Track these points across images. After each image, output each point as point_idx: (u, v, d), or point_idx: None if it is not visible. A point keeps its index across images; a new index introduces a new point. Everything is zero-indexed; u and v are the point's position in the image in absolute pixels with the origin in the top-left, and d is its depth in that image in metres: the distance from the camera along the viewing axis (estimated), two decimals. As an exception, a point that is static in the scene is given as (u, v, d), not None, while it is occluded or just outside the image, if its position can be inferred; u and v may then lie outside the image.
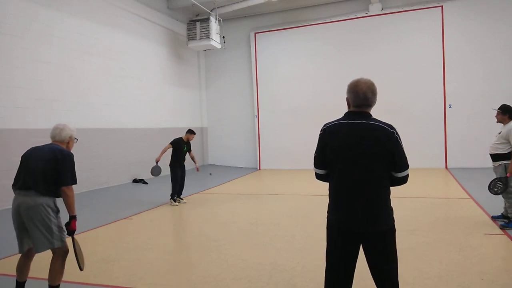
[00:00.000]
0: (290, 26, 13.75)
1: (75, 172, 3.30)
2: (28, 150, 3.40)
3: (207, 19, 12.32)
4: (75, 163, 3.39)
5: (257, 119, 14.31)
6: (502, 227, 5.18)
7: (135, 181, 11.04)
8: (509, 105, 5.39)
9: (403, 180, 2.40)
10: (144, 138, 11.74)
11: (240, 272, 3.93)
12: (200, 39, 12.44)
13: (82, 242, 5.18)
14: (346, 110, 2.56)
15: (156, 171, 7.96)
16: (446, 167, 12.02)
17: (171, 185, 7.87)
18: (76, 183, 3.30)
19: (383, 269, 2.34)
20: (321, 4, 13.41)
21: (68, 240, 3.34)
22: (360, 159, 2.29)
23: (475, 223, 5.52)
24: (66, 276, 3.95)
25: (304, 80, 13.52)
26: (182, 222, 6.46)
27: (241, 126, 14.66)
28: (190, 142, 8.11)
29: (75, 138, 3.57)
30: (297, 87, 13.61)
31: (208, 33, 12.29)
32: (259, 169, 14.06)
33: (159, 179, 11.72)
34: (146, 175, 11.58)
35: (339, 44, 13.15)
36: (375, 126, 2.31)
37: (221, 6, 12.67)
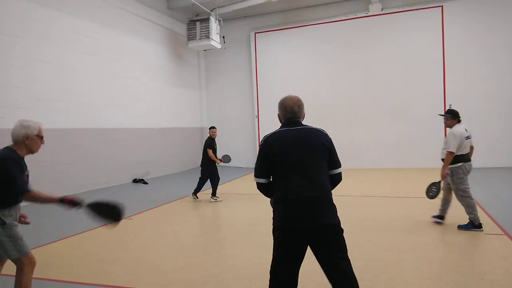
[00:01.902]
0: (290, 26, 13.75)
1: (18, 178, 2.76)
2: None
3: (207, 19, 12.32)
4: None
5: (257, 119, 14.31)
6: (459, 227, 5.21)
7: (135, 181, 11.03)
8: (456, 110, 5.48)
9: (339, 177, 2.60)
10: (144, 138, 11.74)
11: (240, 272, 3.93)
12: (200, 39, 12.44)
13: (82, 242, 5.19)
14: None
15: (227, 159, 8.33)
16: (446, 167, 12.00)
17: (214, 183, 8.00)
18: (25, 191, 2.81)
19: (337, 263, 2.38)
20: (321, 4, 13.41)
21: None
22: (304, 159, 2.44)
23: (475, 223, 5.52)
24: (66, 276, 3.96)
25: (304, 80, 13.51)
26: (182, 222, 6.46)
27: (241, 126, 14.66)
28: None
29: (38, 136, 2.90)
30: (297, 87, 13.54)
31: (208, 33, 12.29)
32: (259, 169, 14.04)
33: (159, 179, 11.73)
34: (146, 175, 11.60)
35: (339, 44, 13.15)
36: (311, 129, 2.55)
37: (221, 6, 12.67)
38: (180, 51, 13.78)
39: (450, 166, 5.27)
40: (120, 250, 4.84)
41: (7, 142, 2.89)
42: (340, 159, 2.60)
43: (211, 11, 12.55)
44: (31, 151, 2.91)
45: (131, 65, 11.23)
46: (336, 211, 2.49)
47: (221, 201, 7.92)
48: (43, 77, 8.36)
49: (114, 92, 10.50)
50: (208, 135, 8.30)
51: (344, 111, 12.70)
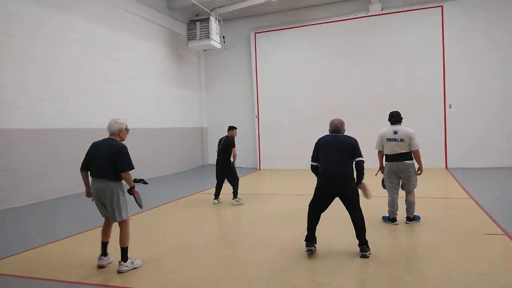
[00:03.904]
0: (290, 26, 13.75)
1: (130, 159, 4.17)
2: (93, 146, 4.38)
3: (207, 19, 12.32)
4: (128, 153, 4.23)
5: (257, 119, 14.31)
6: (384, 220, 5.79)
7: (135, 181, 11.03)
8: (393, 112, 6.05)
9: (359, 163, 4.38)
10: (144, 138, 11.73)
11: (240, 272, 3.93)
12: (200, 39, 12.44)
13: (82, 242, 5.20)
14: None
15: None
16: (446, 167, 12.01)
17: (235, 185, 7.64)
18: (132, 169, 4.19)
19: (353, 208, 4.35)
20: (321, 4, 13.40)
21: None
22: (337, 153, 4.39)
23: (475, 223, 5.53)
24: (66, 276, 3.97)
25: (304, 80, 13.51)
26: (182, 222, 6.46)
27: (241, 126, 14.60)
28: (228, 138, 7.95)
29: (126, 129, 4.40)
30: (297, 87, 13.60)
31: (208, 33, 12.28)
32: (259, 169, 14.06)
33: (159, 179, 11.73)
34: (147, 175, 11.60)
35: (339, 44, 13.14)
36: (345, 137, 4.53)
37: (221, 6, 12.67)
38: (180, 51, 13.78)
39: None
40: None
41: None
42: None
43: (211, 11, 12.55)
44: (122, 139, 4.36)
45: (131, 65, 11.23)
46: (353, 181, 4.36)
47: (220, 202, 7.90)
48: (43, 77, 8.36)
49: (114, 92, 10.49)
50: (230, 135, 7.99)
51: (344, 111, 12.64)
